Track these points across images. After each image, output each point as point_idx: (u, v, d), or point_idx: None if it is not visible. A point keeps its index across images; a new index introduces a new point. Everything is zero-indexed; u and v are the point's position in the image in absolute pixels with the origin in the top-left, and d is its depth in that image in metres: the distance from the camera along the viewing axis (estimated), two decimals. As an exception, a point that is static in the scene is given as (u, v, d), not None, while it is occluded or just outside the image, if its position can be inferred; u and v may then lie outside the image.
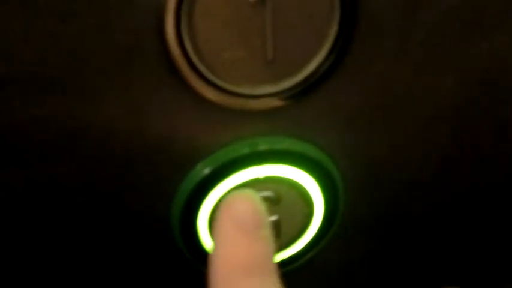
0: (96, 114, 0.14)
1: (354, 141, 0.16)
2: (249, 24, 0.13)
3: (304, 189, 0.16)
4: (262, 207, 0.15)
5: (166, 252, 0.17)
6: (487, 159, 0.18)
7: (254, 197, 0.15)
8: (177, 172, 0.16)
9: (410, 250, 0.20)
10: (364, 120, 0.16)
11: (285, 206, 0.17)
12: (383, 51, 0.15)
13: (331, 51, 0.14)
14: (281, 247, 0.17)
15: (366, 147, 0.16)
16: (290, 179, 0.16)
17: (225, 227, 0.14)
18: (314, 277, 0.19)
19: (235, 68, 0.14)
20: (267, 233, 0.14)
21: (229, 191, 0.16)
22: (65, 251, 0.17)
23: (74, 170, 0.15)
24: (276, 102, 0.15)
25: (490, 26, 0.15)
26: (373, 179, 0.17)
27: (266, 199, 0.16)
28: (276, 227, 0.17)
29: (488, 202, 0.20)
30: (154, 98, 0.14)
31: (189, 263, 0.17)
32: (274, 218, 0.17)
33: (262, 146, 0.15)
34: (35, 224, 0.16)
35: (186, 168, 0.16)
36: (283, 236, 0.17)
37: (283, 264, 0.18)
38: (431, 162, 0.17)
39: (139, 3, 0.13)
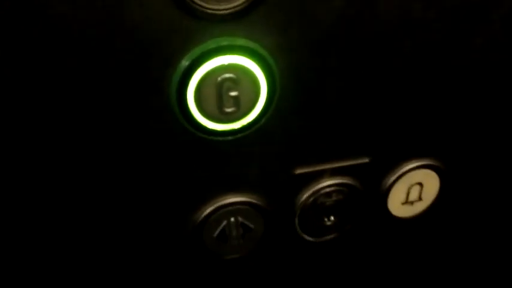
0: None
1: (290, 45, 0.25)
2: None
3: (254, 74, 0.25)
4: None
5: (164, 117, 0.26)
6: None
7: None
8: (170, 66, 0.25)
9: (333, 125, 0.30)
10: (297, 31, 0.25)
11: (242, 85, 0.26)
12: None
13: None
14: (240, 116, 0.27)
15: (298, 48, 0.25)
16: (245, 66, 0.25)
17: None
18: (262, 143, 0.29)
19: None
20: None
21: (206, 74, 0.25)
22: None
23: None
24: (232, 13, 0.24)
25: None
26: (301, 68, 0.26)
27: (229, 79, 0.25)
28: (237, 100, 0.26)
29: (405, 83, 0.29)
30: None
31: (181, 126, 0.26)
32: (235, 93, 0.26)
33: (225, 42, 0.24)
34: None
35: (175, 62, 0.25)
36: (241, 107, 0.26)
37: (241, 129, 0.27)
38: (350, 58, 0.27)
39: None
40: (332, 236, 0.34)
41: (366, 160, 0.32)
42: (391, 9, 0.26)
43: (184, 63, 0.24)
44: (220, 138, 0.27)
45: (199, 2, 0.23)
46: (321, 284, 0.37)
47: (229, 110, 0.26)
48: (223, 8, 0.23)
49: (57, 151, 0.26)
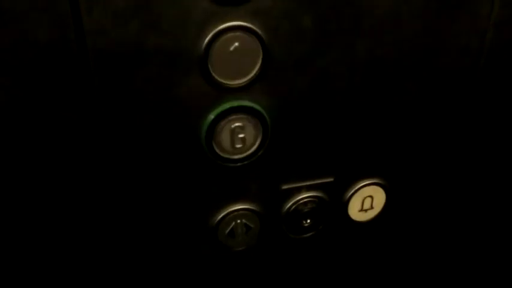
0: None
1: (278, 106, 0.39)
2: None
3: (254, 123, 0.39)
4: None
5: (196, 151, 0.40)
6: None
7: None
8: (202, 118, 0.39)
9: (307, 157, 0.43)
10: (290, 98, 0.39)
11: (247, 130, 0.39)
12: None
13: (261, 66, 0.37)
14: (245, 150, 0.40)
15: (282, 107, 0.40)
16: (248, 118, 0.39)
17: None
18: (259, 168, 0.42)
19: (227, 75, 0.37)
20: None
21: (224, 123, 0.39)
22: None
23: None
24: (241, 87, 0.38)
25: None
26: (285, 119, 0.40)
27: (238, 126, 0.39)
28: (243, 140, 0.40)
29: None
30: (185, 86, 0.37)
31: (207, 157, 0.40)
32: (242, 135, 0.40)
33: (236, 104, 0.38)
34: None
35: (205, 116, 0.39)
36: (246, 144, 0.40)
37: (246, 158, 0.41)
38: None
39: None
40: (309, 234, 0.48)
41: (331, 179, 0.45)
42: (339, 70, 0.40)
43: (211, 117, 0.38)
44: (232, 165, 0.41)
45: (221, 80, 0.37)
46: (301, 270, 0.50)
47: (238, 146, 0.40)
48: (235, 83, 0.37)
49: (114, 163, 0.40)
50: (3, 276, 0.42)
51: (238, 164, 0.41)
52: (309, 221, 0.47)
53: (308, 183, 0.45)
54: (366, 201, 0.48)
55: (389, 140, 0.45)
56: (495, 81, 0.45)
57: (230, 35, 0.35)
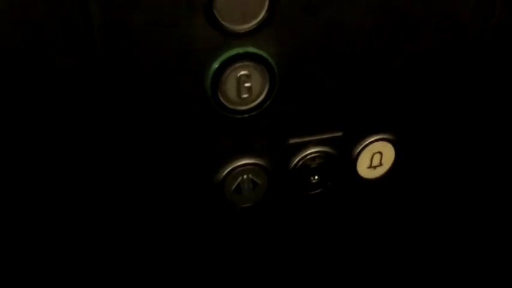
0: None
1: (285, 52, 0.38)
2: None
3: (261, 71, 0.38)
4: None
5: (201, 101, 0.39)
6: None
7: None
8: (206, 67, 0.37)
9: (316, 109, 0.42)
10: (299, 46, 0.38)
11: (253, 79, 0.38)
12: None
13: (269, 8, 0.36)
14: (251, 100, 0.39)
15: (290, 54, 0.38)
16: (255, 66, 0.38)
17: None
18: (266, 120, 0.41)
19: (233, 20, 0.35)
20: None
21: (229, 72, 0.37)
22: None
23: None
24: (247, 32, 0.36)
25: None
26: (293, 68, 0.39)
27: (244, 75, 0.38)
28: (250, 89, 0.39)
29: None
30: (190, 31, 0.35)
31: (212, 108, 0.39)
32: (249, 84, 0.38)
33: (242, 50, 0.37)
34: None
35: (209, 65, 0.37)
36: (252, 94, 0.39)
37: (252, 109, 0.40)
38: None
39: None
40: (317, 191, 0.47)
41: (340, 134, 0.44)
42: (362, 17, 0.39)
43: (215, 65, 0.37)
44: (239, 116, 0.40)
45: (226, 24, 0.36)
46: (308, 227, 0.49)
47: (244, 95, 0.38)
48: (241, 28, 0.36)
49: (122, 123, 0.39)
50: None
51: (245, 116, 0.40)
52: (316, 177, 0.46)
53: (316, 137, 0.44)
54: (375, 157, 0.47)
55: (400, 94, 0.44)
56: (505, 38, 0.44)
57: (235, -25, 0.34)
